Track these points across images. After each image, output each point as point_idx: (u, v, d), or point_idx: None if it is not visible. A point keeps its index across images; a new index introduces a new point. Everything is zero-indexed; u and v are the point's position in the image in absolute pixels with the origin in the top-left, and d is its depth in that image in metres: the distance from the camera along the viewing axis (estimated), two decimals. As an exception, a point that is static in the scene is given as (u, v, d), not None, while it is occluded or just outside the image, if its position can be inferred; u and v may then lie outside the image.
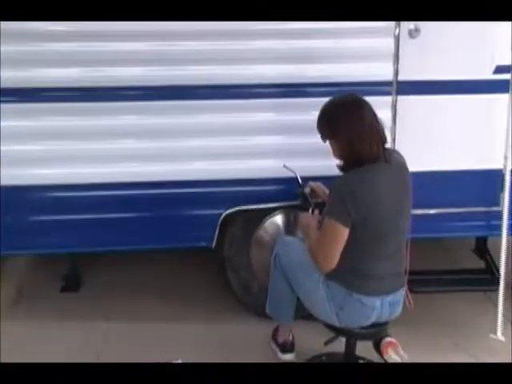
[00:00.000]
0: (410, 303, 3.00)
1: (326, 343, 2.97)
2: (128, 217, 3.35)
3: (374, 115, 2.74)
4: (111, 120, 3.24)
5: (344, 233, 2.65)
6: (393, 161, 2.76)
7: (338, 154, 2.75)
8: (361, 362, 3.07)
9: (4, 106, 3.13)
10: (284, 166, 3.17)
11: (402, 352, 2.99)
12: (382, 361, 3.00)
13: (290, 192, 3.29)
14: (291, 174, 3.27)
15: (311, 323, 3.04)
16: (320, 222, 2.81)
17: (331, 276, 2.76)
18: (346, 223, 2.64)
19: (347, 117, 2.69)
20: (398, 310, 2.87)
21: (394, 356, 2.98)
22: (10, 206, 3.25)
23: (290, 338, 3.21)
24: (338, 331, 2.89)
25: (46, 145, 3.23)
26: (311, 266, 2.81)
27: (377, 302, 2.76)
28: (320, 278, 2.79)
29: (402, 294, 2.87)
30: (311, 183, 3.13)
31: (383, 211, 2.68)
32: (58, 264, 3.91)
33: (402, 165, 2.82)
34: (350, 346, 2.99)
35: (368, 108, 2.73)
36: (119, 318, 3.56)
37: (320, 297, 2.80)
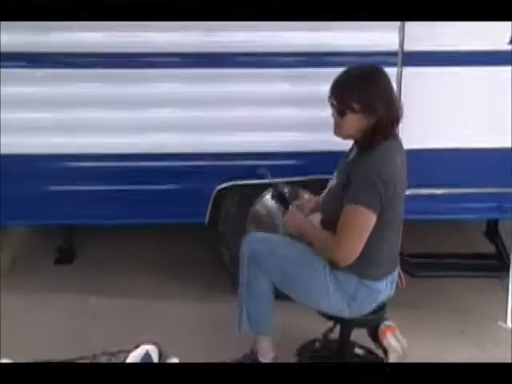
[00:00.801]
0: (401, 283, 2.86)
1: (326, 334, 2.86)
2: (120, 189, 3.26)
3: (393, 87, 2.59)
4: (110, 88, 3.13)
5: (373, 220, 2.48)
6: (398, 137, 2.65)
7: (358, 129, 2.52)
8: (356, 348, 2.94)
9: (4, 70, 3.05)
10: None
11: (400, 336, 2.85)
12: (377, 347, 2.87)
13: (288, 167, 3.18)
14: (289, 149, 3.15)
15: (297, 306, 2.86)
16: (324, 221, 2.65)
17: (338, 267, 2.59)
18: (376, 209, 2.47)
19: (380, 88, 2.50)
20: (393, 288, 2.79)
21: (393, 342, 2.82)
22: (7, 175, 3.18)
23: (274, 354, 2.86)
24: (339, 320, 2.76)
25: (43, 113, 3.15)
26: (310, 259, 2.63)
27: (383, 284, 2.66)
28: (325, 270, 2.61)
29: (397, 271, 2.79)
30: (300, 192, 2.95)
31: (400, 192, 2.58)
32: (52, 236, 3.88)
33: (401, 141, 2.69)
34: (346, 333, 2.86)
35: (389, 80, 2.55)
36: (110, 292, 3.52)
37: (327, 290, 2.62)
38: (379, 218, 2.50)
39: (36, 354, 2.53)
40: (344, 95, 2.50)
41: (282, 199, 2.74)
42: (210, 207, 3.24)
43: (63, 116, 3.16)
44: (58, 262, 3.79)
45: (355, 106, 2.48)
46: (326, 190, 2.73)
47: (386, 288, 2.68)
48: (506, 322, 3.31)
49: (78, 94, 3.14)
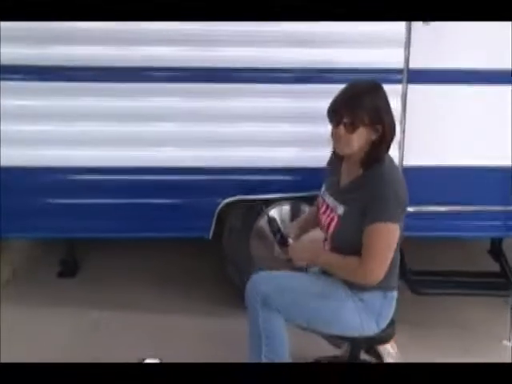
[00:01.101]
0: None
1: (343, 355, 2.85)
2: (125, 203, 3.26)
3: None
4: (112, 102, 3.14)
5: (398, 233, 2.48)
6: None
7: (366, 143, 2.49)
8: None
9: (4, 83, 3.06)
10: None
11: (395, 345, 2.82)
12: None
13: (293, 183, 3.18)
14: (295, 164, 3.16)
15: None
16: (337, 249, 2.57)
17: (363, 287, 2.53)
18: (400, 221, 2.48)
19: (384, 100, 2.49)
20: None
21: (389, 348, 2.79)
22: (9, 187, 3.18)
23: None
24: (353, 339, 2.67)
25: (44, 126, 3.15)
26: (327, 288, 2.56)
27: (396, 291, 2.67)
28: (348, 294, 2.54)
29: None
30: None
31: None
32: (56, 248, 3.87)
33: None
34: (357, 350, 2.80)
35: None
36: (113, 306, 3.50)
37: (356, 313, 2.55)
38: None
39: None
40: (355, 109, 2.44)
41: (273, 224, 2.70)
42: (214, 222, 3.23)
43: (64, 129, 3.16)
44: (61, 274, 3.78)
45: (366, 118, 2.44)
46: (335, 221, 2.58)
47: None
48: (510, 340, 3.28)
49: (80, 108, 3.14)
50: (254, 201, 3.24)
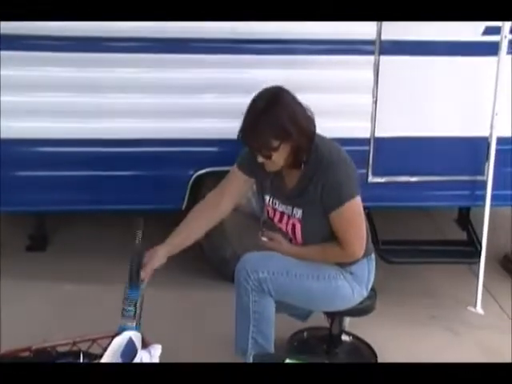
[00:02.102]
0: None
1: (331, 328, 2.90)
2: (94, 175, 3.21)
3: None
4: (85, 72, 3.07)
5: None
6: None
7: (288, 156, 2.44)
8: (344, 335, 2.98)
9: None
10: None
11: None
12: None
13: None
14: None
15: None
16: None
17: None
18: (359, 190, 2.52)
19: (287, 111, 2.38)
20: None
21: None
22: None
23: None
24: (341, 313, 2.75)
25: (7, 96, 3.03)
26: (319, 268, 2.54)
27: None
28: (338, 271, 2.57)
29: None
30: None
31: None
32: (24, 222, 3.81)
33: None
34: (340, 321, 2.90)
35: (291, 95, 2.47)
36: (86, 279, 3.46)
37: (351, 289, 2.59)
38: None
39: (12, 341, 2.48)
40: (259, 141, 2.39)
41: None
42: (187, 194, 3.22)
43: (29, 99, 3.08)
44: (30, 249, 3.72)
45: (274, 143, 2.38)
46: (297, 225, 2.54)
47: None
48: (475, 306, 3.37)
49: (45, 78, 3.08)
50: (227, 173, 3.23)
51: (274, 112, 2.37)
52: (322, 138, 2.53)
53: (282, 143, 2.39)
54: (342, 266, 2.58)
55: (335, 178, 2.44)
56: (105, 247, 3.78)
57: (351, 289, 2.59)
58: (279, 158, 2.44)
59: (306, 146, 2.44)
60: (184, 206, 3.21)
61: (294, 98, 2.45)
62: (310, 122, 2.47)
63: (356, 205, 2.48)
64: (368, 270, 2.64)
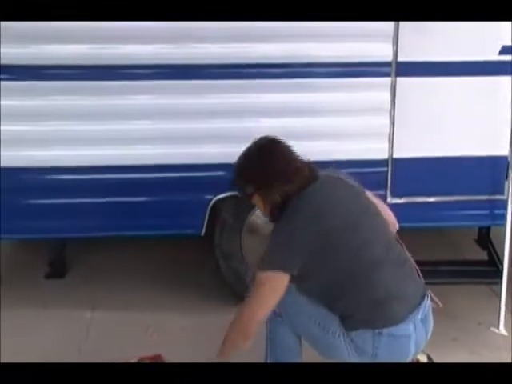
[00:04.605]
0: (438, 304, 2.60)
1: None
2: (115, 202, 3.22)
3: (289, 149, 2.48)
4: (101, 100, 3.10)
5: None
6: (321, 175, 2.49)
7: (268, 205, 2.43)
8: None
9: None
10: None
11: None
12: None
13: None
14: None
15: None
16: None
17: (350, 326, 2.36)
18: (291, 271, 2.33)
19: (273, 164, 2.40)
20: (431, 322, 2.50)
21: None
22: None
23: None
24: None
25: (28, 126, 3.10)
26: (324, 317, 2.40)
27: (410, 326, 2.36)
28: (340, 332, 2.37)
29: (427, 302, 2.48)
30: None
31: (339, 227, 2.35)
32: (43, 249, 3.81)
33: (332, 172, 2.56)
34: None
35: (285, 147, 2.47)
36: (105, 306, 3.46)
37: (341, 351, 2.38)
38: (333, 263, 2.33)
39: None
40: (237, 185, 2.51)
41: None
42: (206, 219, 3.22)
43: (49, 128, 3.12)
44: (49, 276, 3.72)
45: (248, 190, 2.45)
46: None
47: (416, 329, 2.38)
48: (498, 327, 3.33)
49: (64, 107, 3.10)
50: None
51: (252, 163, 2.44)
52: (318, 194, 2.39)
53: (255, 193, 2.43)
54: (344, 328, 2.37)
55: (270, 240, 2.36)
56: (123, 274, 3.80)
57: (347, 353, 2.38)
58: (259, 207, 2.48)
59: (276, 203, 2.39)
60: (203, 232, 3.22)
61: (282, 152, 2.43)
62: (288, 180, 2.37)
63: (270, 279, 2.31)
64: (373, 345, 2.33)
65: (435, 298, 2.58)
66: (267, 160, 2.41)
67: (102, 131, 3.14)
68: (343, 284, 2.33)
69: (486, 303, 3.51)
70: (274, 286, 2.30)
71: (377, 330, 2.31)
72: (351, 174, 3.04)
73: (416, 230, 3.59)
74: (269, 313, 2.36)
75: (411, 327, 2.35)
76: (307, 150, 3.06)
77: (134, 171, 3.16)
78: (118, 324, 3.32)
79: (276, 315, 2.46)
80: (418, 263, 3.43)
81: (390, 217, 2.61)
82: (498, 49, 3.14)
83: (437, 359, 3.08)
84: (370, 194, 2.56)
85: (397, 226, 2.64)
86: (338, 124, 3.16)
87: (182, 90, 3.11)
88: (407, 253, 2.54)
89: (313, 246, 2.30)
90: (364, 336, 2.33)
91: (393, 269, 2.39)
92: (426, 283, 3.36)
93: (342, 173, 2.56)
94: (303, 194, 2.36)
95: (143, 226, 3.25)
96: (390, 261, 2.39)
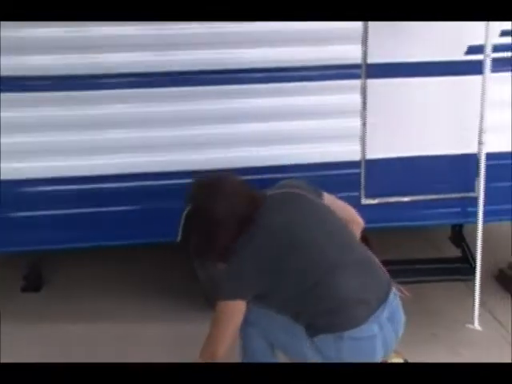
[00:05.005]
0: (405, 294, 2.61)
1: None
2: (88, 212, 3.20)
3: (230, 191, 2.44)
4: (67, 111, 3.09)
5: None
6: (274, 195, 2.49)
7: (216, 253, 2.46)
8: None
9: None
10: None
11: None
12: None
13: (262, 183, 3.16)
14: (260, 164, 3.17)
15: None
16: None
17: (313, 333, 2.35)
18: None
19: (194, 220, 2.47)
20: (401, 319, 2.50)
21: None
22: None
23: None
24: None
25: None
26: (292, 323, 2.41)
27: (373, 327, 2.34)
28: (306, 336, 2.37)
29: (394, 297, 2.46)
30: None
31: (291, 245, 2.36)
32: (19, 262, 3.76)
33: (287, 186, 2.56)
34: None
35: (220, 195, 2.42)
36: (81, 319, 3.44)
37: (305, 352, 2.39)
38: (292, 279, 2.34)
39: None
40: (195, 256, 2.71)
41: None
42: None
43: (21, 140, 3.08)
44: (24, 289, 3.69)
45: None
46: None
47: (381, 329, 2.36)
48: (473, 323, 3.37)
49: (37, 118, 3.08)
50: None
51: (199, 239, 2.45)
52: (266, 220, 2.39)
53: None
54: (307, 333, 2.37)
55: (224, 269, 2.39)
56: (99, 286, 3.78)
57: (312, 357, 2.38)
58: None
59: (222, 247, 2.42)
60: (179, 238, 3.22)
61: (223, 208, 2.38)
62: (233, 234, 2.36)
63: (224, 308, 2.35)
64: (336, 349, 2.31)
65: (401, 289, 2.58)
66: (213, 232, 2.40)
67: (71, 142, 3.11)
68: (302, 296, 2.34)
69: (461, 300, 3.55)
70: (232, 315, 2.35)
71: (337, 334, 2.30)
72: (324, 176, 3.15)
73: (391, 229, 3.65)
74: (232, 336, 2.38)
75: (375, 328, 2.33)
76: (280, 154, 3.16)
77: (107, 181, 3.14)
78: (94, 336, 3.30)
79: (248, 324, 2.47)
80: (394, 262, 3.50)
81: (353, 216, 2.62)
82: (465, 49, 3.20)
83: (413, 357, 3.09)
84: (330, 198, 2.57)
85: (362, 225, 2.65)
86: (309, 127, 3.18)
87: (160, 98, 3.11)
88: (370, 252, 2.55)
89: (265, 271, 2.33)
90: (326, 341, 2.32)
91: (351, 271, 2.38)
92: (402, 282, 3.44)
93: (299, 182, 2.56)
94: (252, 224, 2.37)
95: (117, 236, 3.23)
96: (348, 264, 2.39)
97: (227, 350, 2.36)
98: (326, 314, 2.33)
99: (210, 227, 2.41)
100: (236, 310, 2.34)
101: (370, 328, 2.32)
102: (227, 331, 2.35)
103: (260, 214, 2.39)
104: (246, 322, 2.45)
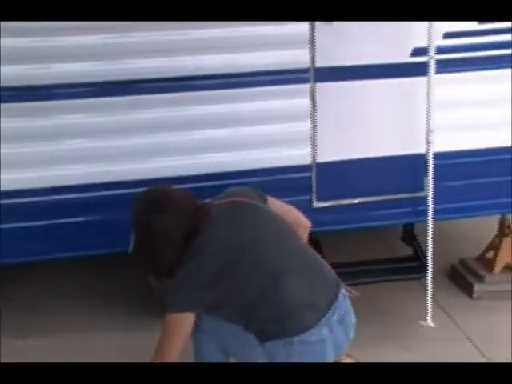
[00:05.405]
0: (354, 294, 2.60)
1: None
2: (39, 225, 3.13)
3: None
4: (27, 122, 3.05)
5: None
6: (220, 206, 2.48)
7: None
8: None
9: None
10: None
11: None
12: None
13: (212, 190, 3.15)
14: (210, 171, 3.17)
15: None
16: None
17: (262, 339, 2.35)
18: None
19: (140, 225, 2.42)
20: (351, 321, 2.51)
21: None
22: None
23: None
24: None
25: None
26: (243, 334, 2.42)
27: (323, 330, 2.34)
28: (257, 347, 2.37)
29: (343, 298, 2.47)
30: None
31: (234, 256, 2.36)
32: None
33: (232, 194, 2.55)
34: None
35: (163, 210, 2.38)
36: (38, 333, 3.39)
37: (253, 354, 2.41)
38: (238, 290, 2.35)
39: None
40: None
41: None
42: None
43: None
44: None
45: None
46: None
47: (332, 331, 2.36)
48: (426, 320, 3.42)
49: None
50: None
51: (146, 256, 2.44)
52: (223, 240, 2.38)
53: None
54: (257, 340, 2.38)
55: (171, 282, 2.39)
56: (56, 300, 3.72)
57: (258, 359, 2.40)
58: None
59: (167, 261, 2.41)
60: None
61: (167, 224, 2.35)
62: (179, 249, 2.35)
63: (172, 320, 2.33)
64: (287, 354, 2.31)
65: (350, 289, 2.58)
66: (159, 247, 2.38)
67: (26, 153, 3.06)
68: (251, 304, 2.36)
69: (415, 298, 3.57)
70: (180, 326, 2.34)
71: (287, 339, 2.30)
72: (275, 181, 3.16)
73: (344, 232, 3.67)
74: (180, 347, 2.36)
75: (325, 331, 2.34)
76: (231, 160, 3.16)
77: (55, 193, 3.09)
78: (51, 350, 3.24)
79: (200, 331, 2.47)
80: (347, 264, 3.53)
81: (299, 219, 2.62)
82: (410, 51, 3.24)
83: (368, 356, 3.10)
84: (275, 202, 2.57)
85: (308, 227, 2.65)
86: (259, 133, 3.19)
87: (105, 108, 3.08)
88: (317, 254, 2.55)
89: (213, 283, 2.33)
90: (275, 347, 2.33)
91: (299, 275, 2.38)
92: (354, 283, 3.46)
93: (243, 190, 2.56)
94: (198, 236, 2.36)
95: (74, 248, 3.18)
96: (295, 268, 2.39)
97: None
98: (275, 319, 2.33)
99: (155, 242, 2.38)
100: (184, 322, 2.34)
101: (320, 331, 2.32)
102: (174, 342, 2.33)
103: (205, 226, 2.38)
104: (198, 330, 2.45)
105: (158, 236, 2.37)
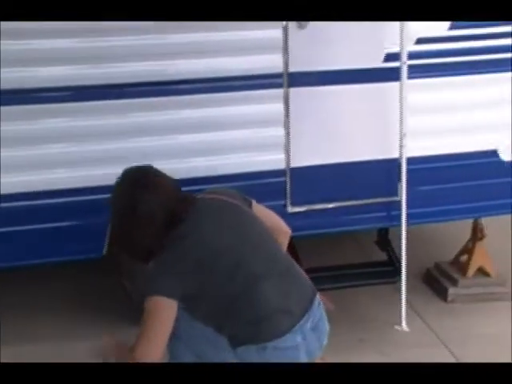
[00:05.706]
0: (329, 307, 2.57)
1: None
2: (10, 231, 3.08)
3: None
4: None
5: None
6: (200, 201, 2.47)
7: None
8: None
9: None
10: None
11: None
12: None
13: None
14: (184, 176, 3.14)
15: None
16: None
17: (235, 344, 2.34)
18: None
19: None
20: (325, 328, 2.48)
21: None
22: None
23: None
24: None
25: None
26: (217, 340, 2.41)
27: (297, 337, 2.33)
28: (230, 352, 2.37)
29: (318, 306, 2.45)
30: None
31: (222, 243, 2.36)
32: None
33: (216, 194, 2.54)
34: None
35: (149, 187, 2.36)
36: (10, 343, 3.29)
37: (225, 358, 2.40)
38: (215, 290, 2.33)
39: None
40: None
41: None
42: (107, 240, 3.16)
43: None
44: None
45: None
46: None
47: (305, 339, 2.35)
48: (401, 324, 3.44)
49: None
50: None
51: (124, 233, 2.42)
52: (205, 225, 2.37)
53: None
54: (230, 345, 2.37)
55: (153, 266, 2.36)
56: (28, 307, 3.67)
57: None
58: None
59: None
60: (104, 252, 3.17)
61: (150, 204, 2.32)
62: (150, 228, 2.34)
63: (153, 304, 2.28)
64: (260, 359, 2.30)
65: (326, 302, 2.56)
66: (141, 224, 2.33)
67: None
68: (224, 307, 2.34)
69: (390, 302, 3.58)
70: (161, 310, 2.28)
71: (260, 345, 2.29)
72: (250, 186, 3.14)
73: (319, 236, 3.68)
74: (163, 336, 2.29)
75: (299, 338, 2.33)
76: (205, 165, 3.15)
77: (29, 198, 3.06)
78: (26, 358, 3.10)
79: (174, 337, 2.41)
80: (322, 269, 3.53)
81: (280, 225, 2.62)
82: (383, 56, 3.27)
83: (343, 361, 3.13)
84: (258, 207, 2.56)
85: (289, 234, 2.65)
86: (233, 138, 3.19)
87: (80, 111, 3.06)
88: (293, 261, 2.55)
89: (192, 272, 2.29)
90: (249, 352, 2.32)
91: (275, 281, 2.37)
92: (329, 288, 3.46)
93: (229, 190, 2.56)
94: (181, 224, 2.35)
95: (46, 254, 3.14)
96: (271, 274, 2.37)
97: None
98: (249, 324, 2.32)
99: (139, 221, 2.33)
100: (165, 306, 2.27)
101: (294, 338, 2.31)
102: (156, 329, 2.26)
103: (189, 215, 2.36)
104: (174, 337, 2.40)
105: (143, 215, 2.32)
